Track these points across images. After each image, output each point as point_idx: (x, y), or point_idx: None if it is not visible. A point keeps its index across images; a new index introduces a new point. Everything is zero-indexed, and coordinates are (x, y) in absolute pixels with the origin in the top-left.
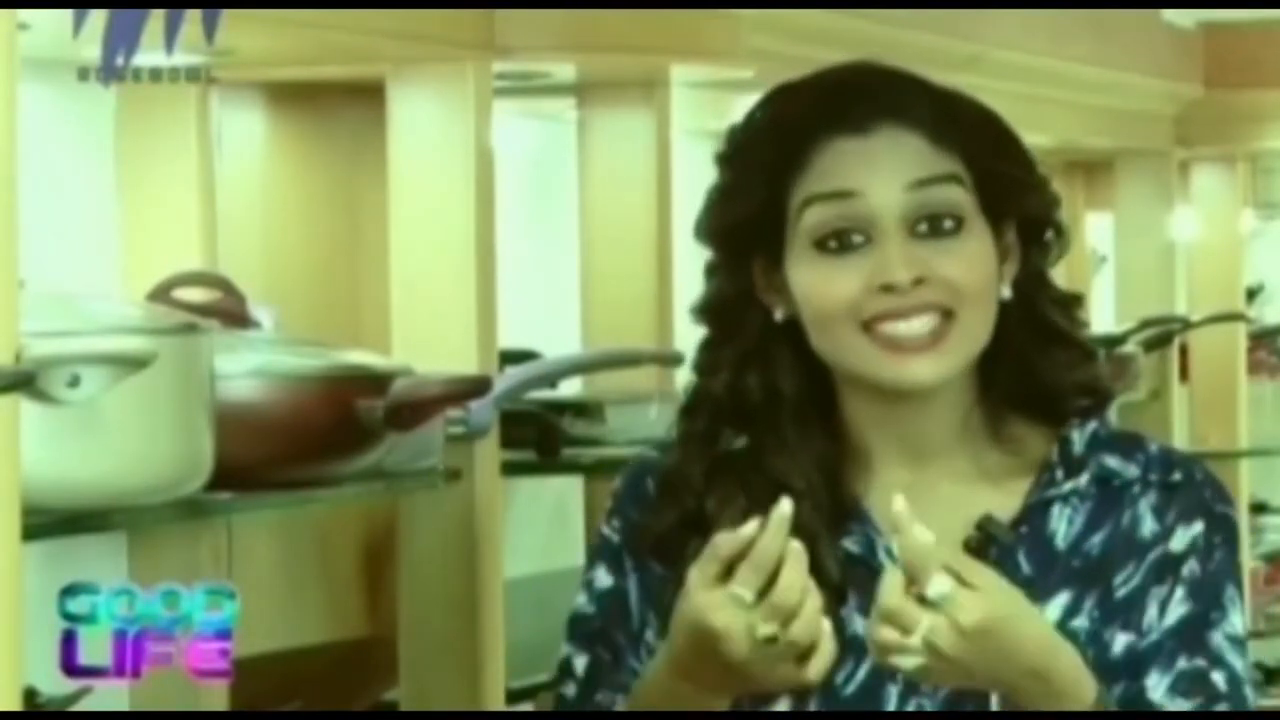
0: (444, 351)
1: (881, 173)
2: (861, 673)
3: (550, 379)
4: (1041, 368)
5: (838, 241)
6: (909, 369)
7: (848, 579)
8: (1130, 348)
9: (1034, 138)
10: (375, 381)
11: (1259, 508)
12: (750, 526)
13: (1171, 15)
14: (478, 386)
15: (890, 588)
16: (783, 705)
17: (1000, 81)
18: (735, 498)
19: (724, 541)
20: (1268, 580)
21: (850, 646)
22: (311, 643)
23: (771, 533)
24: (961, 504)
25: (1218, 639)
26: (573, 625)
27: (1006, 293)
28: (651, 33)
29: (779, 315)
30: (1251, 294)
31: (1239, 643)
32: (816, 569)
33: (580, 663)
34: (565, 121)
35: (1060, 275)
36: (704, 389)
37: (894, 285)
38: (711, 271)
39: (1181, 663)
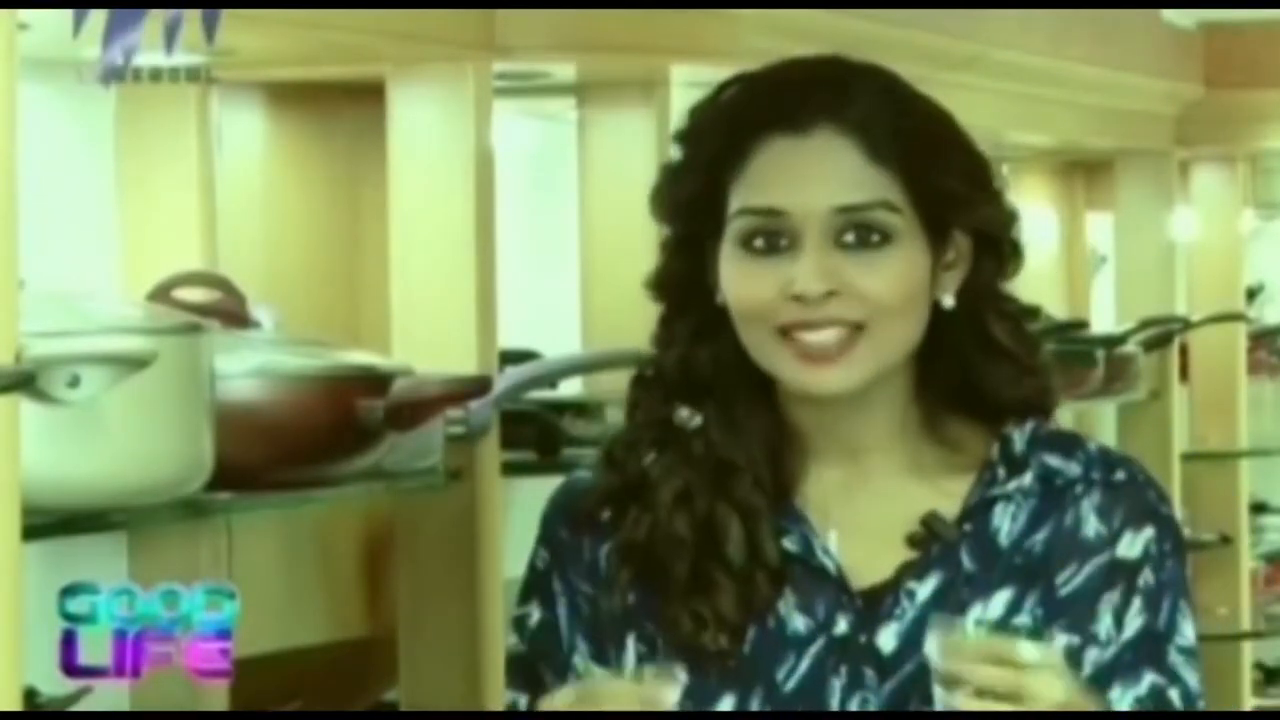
0: (444, 351)
1: (810, 190)
2: (802, 668)
3: (550, 379)
4: (981, 378)
5: (764, 242)
6: (817, 377)
7: (786, 575)
8: (1130, 348)
9: (1034, 138)
10: (375, 381)
11: (1259, 508)
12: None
13: (1171, 15)
14: (478, 386)
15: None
16: (726, 704)
17: (1000, 81)
18: (678, 468)
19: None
20: (1268, 580)
21: (790, 643)
22: (311, 643)
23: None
24: (897, 500)
25: (1172, 654)
26: (510, 667)
27: (949, 301)
28: (651, 33)
29: (720, 298)
30: (1251, 294)
31: (1191, 654)
32: (756, 551)
33: (524, 702)
34: (565, 121)
35: (1060, 275)
36: (657, 362)
37: (804, 296)
38: (664, 247)
39: (1144, 678)
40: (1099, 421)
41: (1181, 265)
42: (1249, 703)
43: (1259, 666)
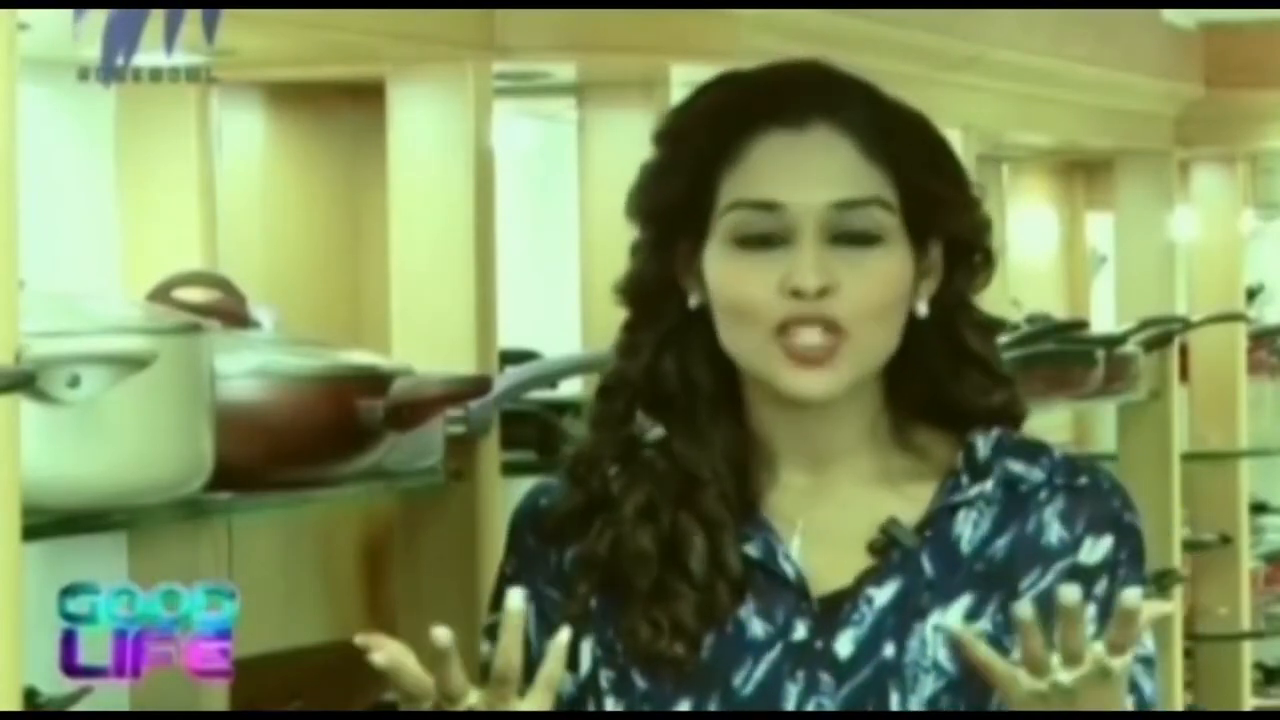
0: (444, 351)
1: (808, 185)
2: (758, 674)
3: (550, 379)
4: (952, 387)
5: (756, 239)
6: (804, 380)
7: (748, 581)
8: (1130, 348)
9: (1034, 138)
10: (375, 381)
11: (1259, 508)
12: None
13: (1171, 15)
14: (478, 386)
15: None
16: (684, 707)
17: (1000, 81)
18: (641, 482)
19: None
20: (1268, 580)
21: (749, 648)
22: (311, 643)
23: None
24: (863, 507)
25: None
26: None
27: (923, 309)
28: (651, 33)
29: (693, 302)
30: (1251, 294)
31: (1148, 663)
32: (719, 561)
33: None
34: (565, 121)
35: (1060, 275)
36: (621, 372)
37: (802, 290)
38: (636, 251)
39: None
40: (1099, 421)
41: (1181, 265)
42: (1249, 703)
43: (1259, 666)
